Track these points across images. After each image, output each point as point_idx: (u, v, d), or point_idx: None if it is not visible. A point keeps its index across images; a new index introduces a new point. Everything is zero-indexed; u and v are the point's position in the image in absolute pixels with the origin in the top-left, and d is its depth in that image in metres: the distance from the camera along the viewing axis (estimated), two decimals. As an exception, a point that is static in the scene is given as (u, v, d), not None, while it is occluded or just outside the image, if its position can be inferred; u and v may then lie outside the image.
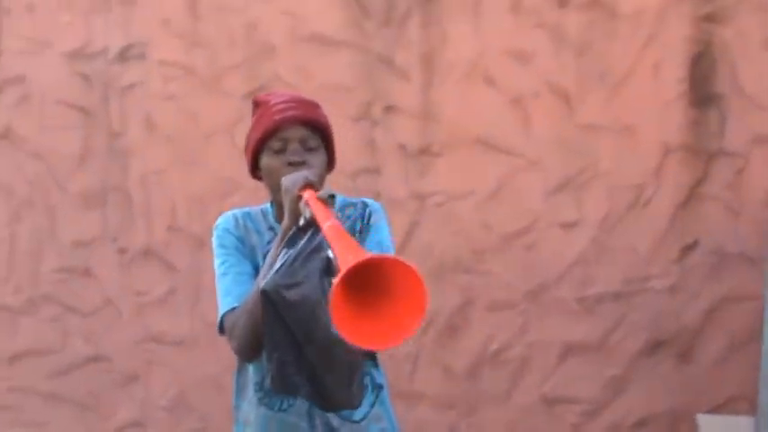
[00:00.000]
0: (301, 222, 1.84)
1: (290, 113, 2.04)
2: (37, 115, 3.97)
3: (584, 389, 3.66)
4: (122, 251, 3.96)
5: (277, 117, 2.03)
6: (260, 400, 2.09)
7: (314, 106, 2.09)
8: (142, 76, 3.84)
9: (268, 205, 2.15)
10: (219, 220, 2.13)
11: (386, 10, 3.64)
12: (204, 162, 3.85)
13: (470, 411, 3.76)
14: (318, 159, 2.05)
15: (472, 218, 3.67)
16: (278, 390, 1.94)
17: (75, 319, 4.05)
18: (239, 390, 2.19)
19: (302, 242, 1.84)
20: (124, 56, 3.85)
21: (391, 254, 1.83)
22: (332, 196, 1.85)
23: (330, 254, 1.80)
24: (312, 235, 1.84)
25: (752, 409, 3.49)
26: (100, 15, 3.85)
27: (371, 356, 2.17)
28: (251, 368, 2.10)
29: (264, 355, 1.92)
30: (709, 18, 3.42)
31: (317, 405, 1.94)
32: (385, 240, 2.10)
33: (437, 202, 3.70)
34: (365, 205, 2.14)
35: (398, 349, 3.78)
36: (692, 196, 3.52)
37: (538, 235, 3.64)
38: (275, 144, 2.04)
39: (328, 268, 1.81)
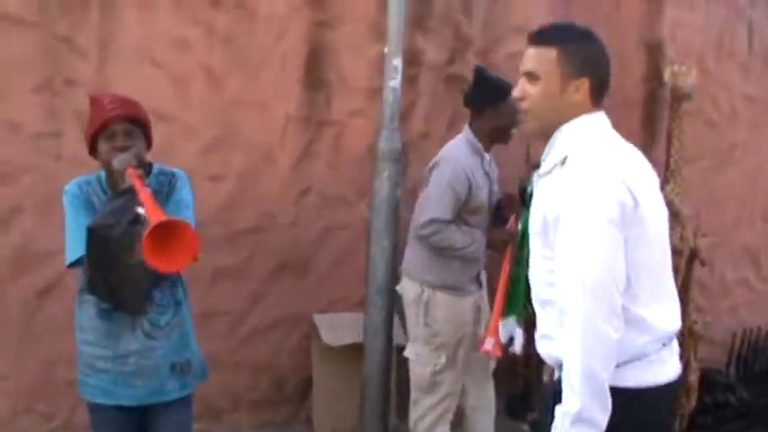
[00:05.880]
0: (123, 187, 2.82)
1: (117, 112, 2.97)
2: None
3: (231, 302, 4.74)
4: None
5: (108, 115, 2.95)
6: (97, 313, 3.01)
7: (135, 105, 3.06)
8: None
9: (102, 175, 3.06)
10: (68, 187, 3.02)
11: (67, -1, 4.36)
12: None
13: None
14: (138, 143, 3.00)
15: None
16: (100, 298, 2.94)
17: None
18: (80, 304, 3.06)
19: (121, 200, 2.83)
20: None
21: (181, 216, 2.83)
22: (146, 172, 2.95)
23: (140, 210, 2.78)
24: (128, 196, 2.80)
25: (354, 306, 4.83)
26: None
27: (174, 280, 3.13)
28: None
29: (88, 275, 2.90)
30: (321, 24, 4.73)
31: (113, 308, 2.96)
32: (184, 199, 3.11)
33: (110, 160, 4.49)
34: (173, 174, 3.12)
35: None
36: (306, 154, 4.80)
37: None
38: (106, 134, 2.94)
39: (136, 219, 2.78)
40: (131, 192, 2.77)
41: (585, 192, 2.30)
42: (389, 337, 4.48)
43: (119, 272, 2.85)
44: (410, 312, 4.14)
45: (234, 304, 4.74)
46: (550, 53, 2.43)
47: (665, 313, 2.46)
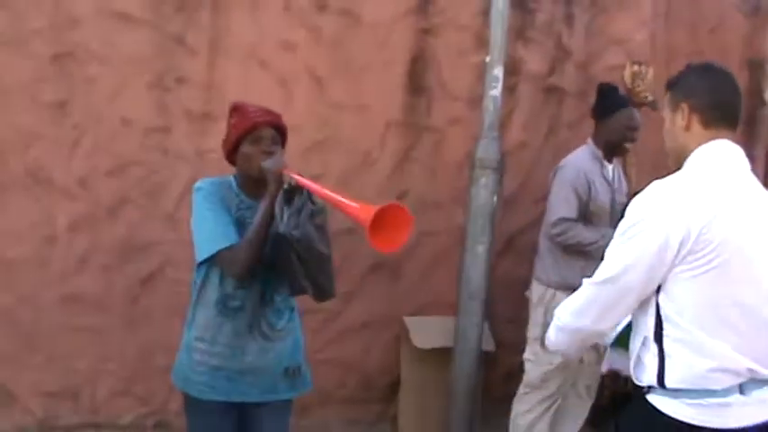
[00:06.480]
0: (285, 187, 2.92)
1: (265, 118, 3.08)
2: None
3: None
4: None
5: (257, 119, 3.07)
6: (219, 312, 3.09)
7: (278, 114, 3.16)
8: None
9: (231, 178, 3.16)
10: (201, 185, 3.10)
11: (181, -1, 4.54)
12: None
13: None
14: (280, 150, 3.10)
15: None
16: (292, 293, 3.13)
17: None
18: (198, 302, 3.13)
19: (296, 202, 2.94)
20: None
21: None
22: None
23: (311, 206, 2.94)
24: (301, 197, 2.93)
25: (444, 311, 4.88)
26: None
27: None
28: (214, 289, 3.09)
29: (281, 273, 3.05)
30: (425, 31, 4.82)
31: (314, 297, 3.12)
32: None
33: (214, 158, 4.63)
34: None
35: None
36: (405, 159, 4.89)
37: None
38: (253, 138, 3.05)
39: (312, 215, 2.94)
40: (296, 191, 2.92)
41: (641, 206, 2.40)
42: (479, 343, 4.53)
43: (312, 264, 3.00)
44: (534, 314, 4.36)
45: (327, 303, 4.80)
46: (667, 96, 2.64)
47: (741, 348, 2.35)
